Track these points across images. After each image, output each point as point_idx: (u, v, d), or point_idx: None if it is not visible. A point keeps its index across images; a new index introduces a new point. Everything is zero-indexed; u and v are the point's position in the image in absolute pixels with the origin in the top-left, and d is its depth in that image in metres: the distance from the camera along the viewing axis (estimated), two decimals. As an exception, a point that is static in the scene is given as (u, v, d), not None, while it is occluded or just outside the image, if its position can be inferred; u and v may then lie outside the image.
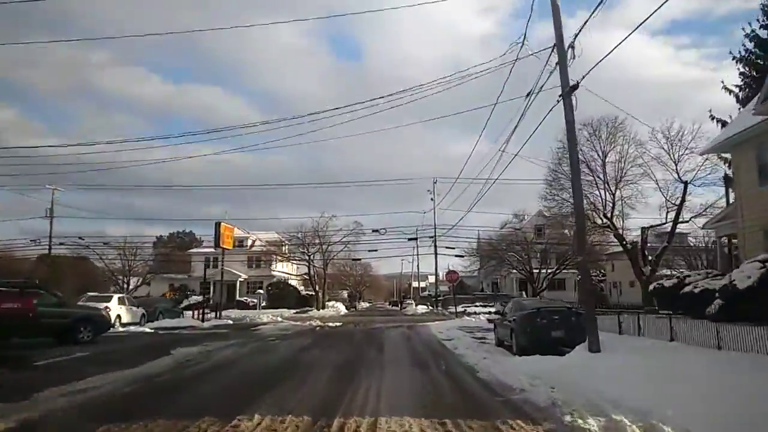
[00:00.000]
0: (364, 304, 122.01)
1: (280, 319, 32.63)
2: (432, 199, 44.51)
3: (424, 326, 26.79)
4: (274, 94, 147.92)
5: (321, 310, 49.46)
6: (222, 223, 29.10)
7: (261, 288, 54.51)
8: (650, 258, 31.94)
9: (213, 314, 34.43)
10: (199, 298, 56.06)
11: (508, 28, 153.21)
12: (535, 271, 45.09)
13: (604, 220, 31.99)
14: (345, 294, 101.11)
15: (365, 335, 21.16)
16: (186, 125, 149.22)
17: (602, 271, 61.87)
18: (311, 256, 50.00)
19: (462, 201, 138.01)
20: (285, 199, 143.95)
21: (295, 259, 51.39)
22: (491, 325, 24.11)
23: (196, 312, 32.58)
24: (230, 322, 29.77)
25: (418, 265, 67.77)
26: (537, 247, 45.10)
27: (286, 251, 53.99)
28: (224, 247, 29.89)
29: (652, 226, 32.12)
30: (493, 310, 43.06)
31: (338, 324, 30.07)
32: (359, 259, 46.59)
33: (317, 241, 49.02)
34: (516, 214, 46.92)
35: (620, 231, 31.86)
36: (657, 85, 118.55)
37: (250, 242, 55.42)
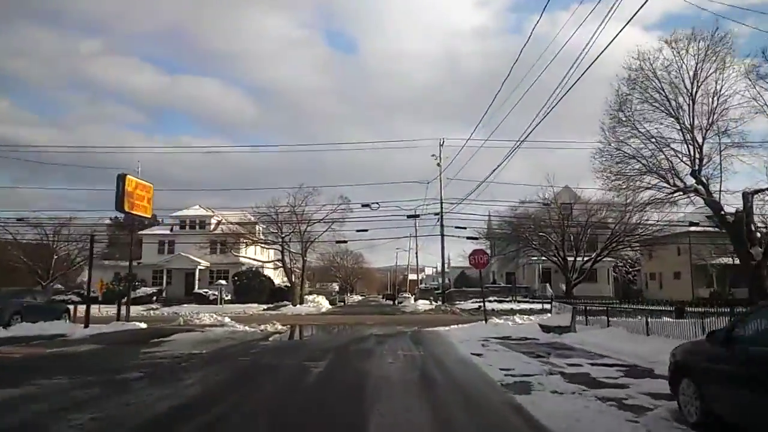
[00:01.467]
0: (356, 298, 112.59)
1: (228, 320, 22.87)
2: (438, 164, 35.00)
3: (438, 335, 17.18)
4: (268, 85, 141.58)
5: (298, 306, 39.75)
6: (128, 177, 18.96)
7: (232, 277, 44.76)
8: (759, 234, 22.44)
9: (145, 308, 24.41)
10: (150, 290, 46.52)
11: (503, 21, 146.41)
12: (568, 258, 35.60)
13: (690, 183, 22.44)
14: (335, 286, 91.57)
15: (334, 367, 10.61)
16: (180, 116, 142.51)
17: (630, 260, 52.42)
18: (286, 239, 40.18)
19: (475, 172, 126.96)
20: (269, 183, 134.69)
21: (266, 243, 41.49)
22: (555, 338, 14.51)
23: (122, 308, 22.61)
24: (140, 326, 19.88)
25: (417, 252, 57.90)
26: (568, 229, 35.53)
27: (261, 233, 44.12)
28: (133, 212, 19.94)
29: (760, 191, 22.49)
30: (524, 306, 33.52)
31: (307, 333, 20.49)
32: (345, 241, 36.87)
33: (294, 218, 39.22)
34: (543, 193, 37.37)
35: (714, 197, 22.25)
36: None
37: (213, 223, 45.55)
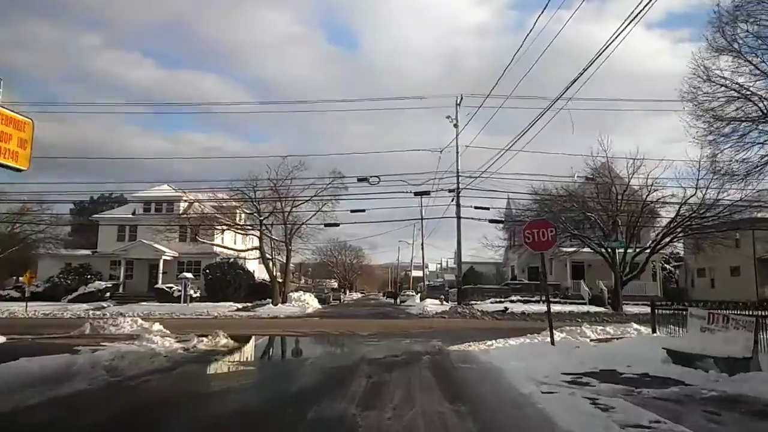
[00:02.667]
0: (355, 296, 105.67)
1: (157, 328, 15.53)
2: (455, 125, 27.44)
3: (480, 367, 9.78)
4: (268, 80, 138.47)
5: (280, 305, 32.53)
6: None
7: (203, 270, 37.48)
8: None
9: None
10: (105, 285, 39.29)
11: (504, 18, 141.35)
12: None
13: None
14: (334, 283, 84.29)
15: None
16: (180, 111, 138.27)
17: (667, 255, 44.84)
18: (266, 222, 32.94)
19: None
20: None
21: (243, 229, 34.09)
22: (725, 382, 7.14)
23: None
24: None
25: (422, 243, 50.54)
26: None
27: (242, 217, 36.75)
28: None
29: None
30: (565, 308, 26.20)
31: (255, 356, 13.26)
32: (336, 224, 29.37)
33: (277, 198, 31.95)
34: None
35: None
36: (652, 78, 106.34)
37: (184, 205, 38.20)
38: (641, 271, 27.66)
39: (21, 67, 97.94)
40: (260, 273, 42.96)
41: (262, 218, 31.89)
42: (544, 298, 34.06)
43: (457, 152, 27.65)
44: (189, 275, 34.19)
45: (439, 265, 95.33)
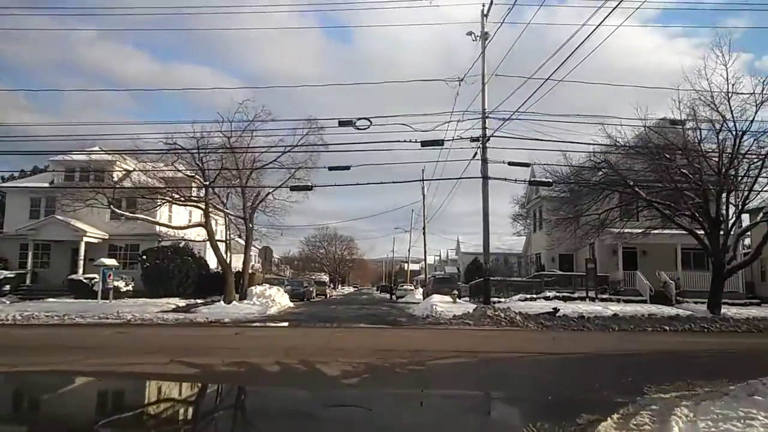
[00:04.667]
0: (346, 290, 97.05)
1: None
2: (483, 35, 18.19)
3: None
4: (263, 73, 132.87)
5: (235, 303, 23.77)
6: None
7: (142, 255, 28.49)
8: None
9: None
10: (6, 274, 30.27)
11: (499, 13, 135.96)
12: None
13: None
14: (324, 277, 75.57)
15: None
16: (173, 103, 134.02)
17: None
18: (221, 191, 24.13)
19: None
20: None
21: (186, 199, 24.78)
22: None
23: None
24: None
25: (423, 206, 41.74)
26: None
27: (193, 191, 27.68)
28: None
29: None
30: (641, 309, 17.25)
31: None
32: (309, 187, 20.24)
33: (232, 158, 23.10)
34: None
35: None
36: (648, 73, 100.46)
37: (119, 173, 29.05)
38: (755, 258, 18.85)
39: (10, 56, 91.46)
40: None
41: (208, 182, 22.88)
42: (592, 294, 25.59)
43: (484, 78, 18.72)
44: (111, 261, 25.27)
45: (437, 257, 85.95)
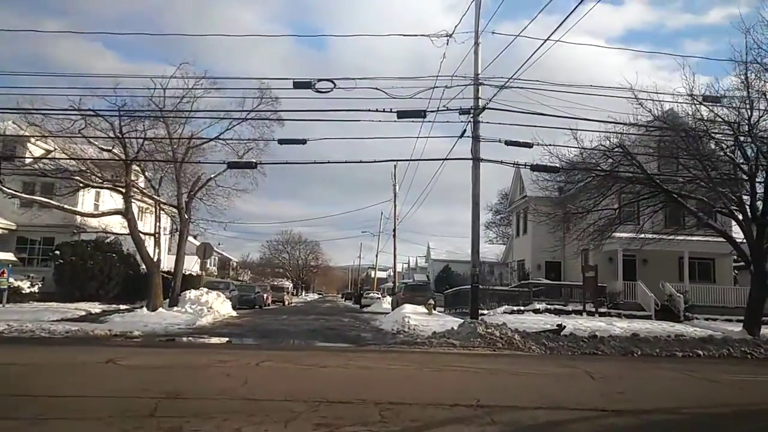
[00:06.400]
0: (310, 296, 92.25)
1: None
2: None
3: None
4: (244, 87, 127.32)
5: (161, 310, 19.25)
6: None
7: (55, 250, 23.52)
8: None
9: None
10: None
11: (471, 26, 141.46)
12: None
13: None
14: (287, 283, 70.73)
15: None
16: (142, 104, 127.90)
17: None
18: (136, 160, 19.63)
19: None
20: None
21: (99, 181, 19.87)
22: None
23: None
24: None
25: (394, 204, 37.87)
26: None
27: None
28: None
29: None
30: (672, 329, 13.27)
31: None
32: (254, 165, 16.03)
33: (163, 130, 18.66)
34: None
35: None
36: (601, 102, 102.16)
37: (33, 152, 24.03)
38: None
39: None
40: (168, 262, 29.08)
41: (129, 159, 18.26)
42: (590, 307, 21.84)
43: (478, 28, 14.78)
44: (7, 256, 20.45)
45: (406, 265, 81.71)
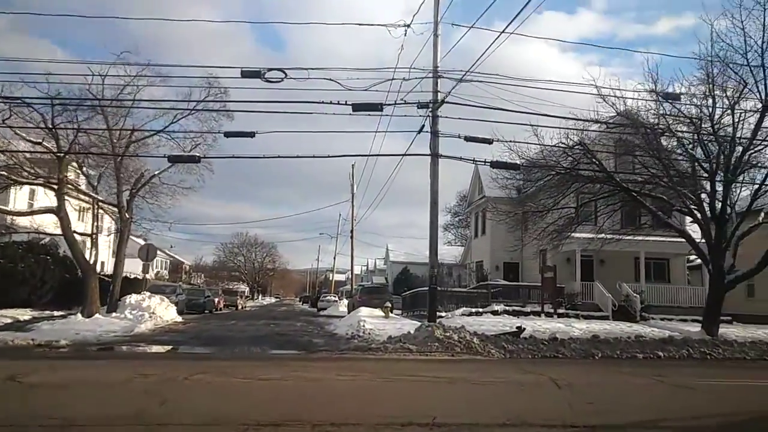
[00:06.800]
0: (266, 300, 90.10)
1: None
2: None
3: None
4: (190, 76, 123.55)
5: (99, 315, 17.79)
6: None
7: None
8: None
9: None
10: None
11: (429, 30, 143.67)
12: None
13: None
14: (242, 286, 68.69)
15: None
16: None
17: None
18: (69, 153, 18.14)
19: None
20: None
21: (32, 177, 18.35)
22: None
23: None
24: None
25: (352, 205, 36.98)
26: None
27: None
28: None
29: None
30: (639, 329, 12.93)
31: None
32: (197, 159, 14.92)
33: (102, 121, 17.24)
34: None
35: None
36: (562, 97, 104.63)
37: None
38: (762, 267, 15.10)
39: None
40: (111, 265, 27.34)
41: (61, 152, 16.79)
42: (548, 308, 21.54)
43: (437, 16, 14.16)
44: None
45: (365, 267, 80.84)
